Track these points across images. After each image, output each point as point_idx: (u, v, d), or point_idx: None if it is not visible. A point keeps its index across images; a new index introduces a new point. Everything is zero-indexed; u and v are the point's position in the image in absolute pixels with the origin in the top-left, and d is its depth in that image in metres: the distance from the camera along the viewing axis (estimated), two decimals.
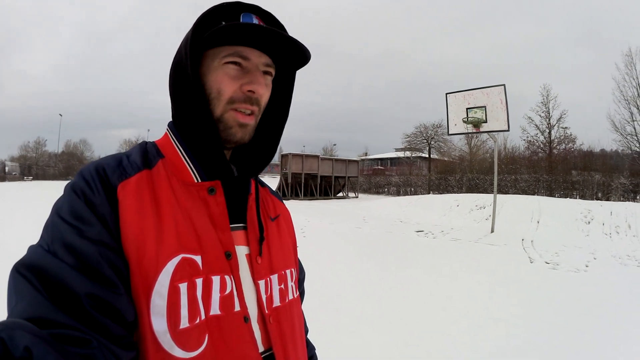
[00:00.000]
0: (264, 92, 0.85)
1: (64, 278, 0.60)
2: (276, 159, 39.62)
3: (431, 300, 5.41)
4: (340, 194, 36.99)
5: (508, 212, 14.78)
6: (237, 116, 0.83)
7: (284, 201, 1.15)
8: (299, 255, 1.17)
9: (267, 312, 0.85)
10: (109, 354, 0.59)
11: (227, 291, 0.78)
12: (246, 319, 0.80)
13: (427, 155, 48.08)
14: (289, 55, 0.88)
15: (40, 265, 0.61)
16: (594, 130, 58.34)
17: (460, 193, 25.63)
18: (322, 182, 33.92)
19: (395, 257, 8.41)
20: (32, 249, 0.66)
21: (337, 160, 36.32)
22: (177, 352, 0.69)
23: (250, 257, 0.87)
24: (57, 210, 0.70)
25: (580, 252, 9.70)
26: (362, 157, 70.88)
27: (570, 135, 33.19)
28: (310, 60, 0.90)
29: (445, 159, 46.12)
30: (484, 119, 13.50)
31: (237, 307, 0.79)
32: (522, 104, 33.99)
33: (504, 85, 13.27)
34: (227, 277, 0.79)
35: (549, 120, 33.63)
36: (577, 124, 47.39)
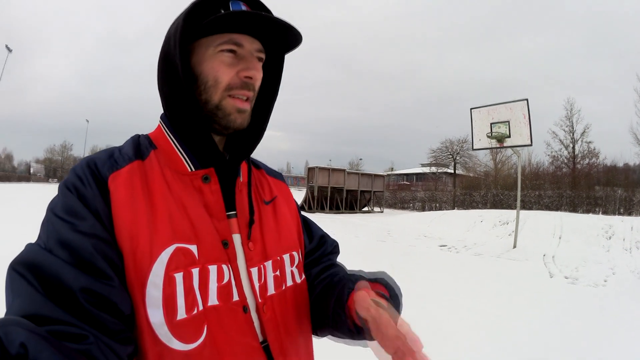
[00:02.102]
0: (259, 77, 0.86)
1: (59, 273, 0.61)
2: (303, 172, 39.56)
3: (450, 312, 5.54)
4: (366, 209, 36.86)
5: (530, 228, 14.67)
6: (235, 102, 0.83)
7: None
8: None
9: (260, 300, 0.84)
10: (105, 349, 0.59)
11: (225, 280, 0.78)
12: (245, 308, 0.80)
13: (452, 171, 47.64)
14: (278, 40, 0.89)
15: (35, 262, 0.62)
16: (617, 144, 56.24)
17: (485, 209, 25.37)
18: (348, 196, 33.90)
19: (418, 270, 8.53)
20: (28, 246, 0.66)
21: (363, 174, 36.26)
22: (175, 344, 0.69)
23: (243, 245, 0.86)
24: (52, 208, 0.70)
25: (599, 267, 9.64)
26: (388, 172, 70.36)
27: (594, 149, 32.51)
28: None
29: (471, 174, 45.70)
30: (508, 134, 13.52)
31: (236, 297, 0.79)
32: (545, 118, 33.56)
33: (526, 99, 13.27)
34: (224, 266, 0.79)
35: (573, 134, 33.01)
36: (600, 137, 46.07)
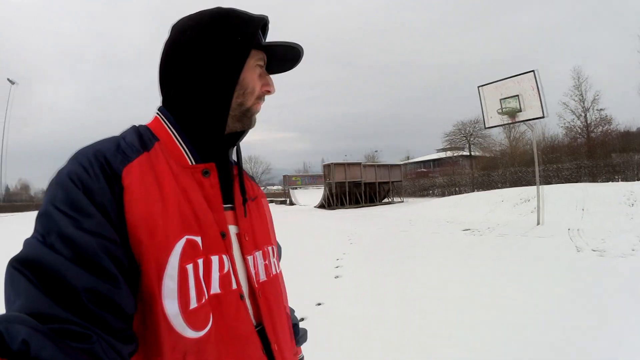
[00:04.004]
0: None
1: (62, 272, 0.59)
2: (320, 170, 39.72)
3: (480, 297, 5.41)
4: (386, 200, 36.74)
5: (553, 203, 14.44)
6: (258, 108, 0.96)
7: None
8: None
9: (256, 286, 0.90)
10: (108, 348, 0.59)
11: (225, 270, 0.82)
12: (242, 296, 0.84)
13: (468, 153, 47.40)
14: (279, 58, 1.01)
15: (37, 259, 0.60)
16: (628, 109, 54.47)
17: (505, 188, 25.14)
18: (366, 189, 33.86)
19: (444, 257, 8.40)
20: (28, 242, 0.63)
21: (379, 166, 36.15)
22: (188, 332, 0.71)
23: (239, 236, 0.92)
24: (51, 199, 0.67)
25: (626, 236, 9.40)
26: (405, 162, 70.07)
27: (607, 116, 32.11)
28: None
29: (487, 155, 45.33)
30: (519, 108, 13.29)
31: (234, 285, 0.83)
32: (554, 91, 33.20)
33: (534, 71, 12.99)
34: (224, 257, 0.82)
35: (584, 103, 32.70)
36: (611, 104, 45.07)
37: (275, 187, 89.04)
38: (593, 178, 25.64)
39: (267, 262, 0.99)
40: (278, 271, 1.06)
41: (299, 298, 5.51)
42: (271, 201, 50.68)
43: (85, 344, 0.56)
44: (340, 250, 10.13)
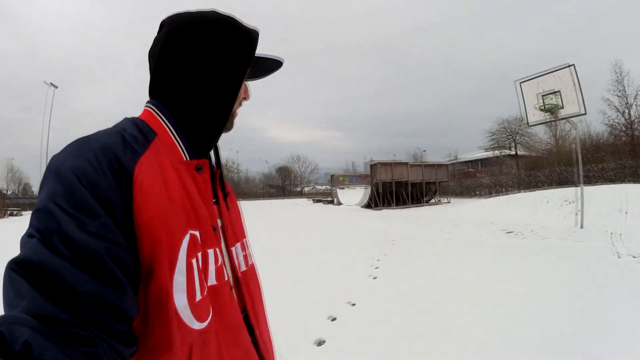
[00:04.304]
0: None
1: (64, 276, 0.57)
2: (365, 169, 39.68)
3: (516, 301, 5.25)
4: (432, 200, 36.36)
5: (596, 205, 14.19)
6: (237, 112, 1.00)
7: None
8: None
9: (240, 276, 0.95)
10: (110, 351, 0.58)
11: (219, 262, 0.85)
12: (232, 286, 0.89)
13: (514, 152, 46.31)
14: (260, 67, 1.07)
15: (37, 261, 0.57)
16: None
17: (550, 188, 24.74)
18: (412, 189, 33.71)
19: (484, 261, 8.26)
20: (26, 242, 0.60)
21: (426, 165, 35.84)
22: (195, 324, 0.73)
23: (223, 229, 0.96)
24: (51, 194, 0.63)
25: None
26: (452, 161, 68.89)
27: None
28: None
29: (533, 154, 43.80)
30: (560, 104, 12.84)
31: (227, 277, 0.87)
32: (596, 85, 31.94)
33: (573, 65, 12.51)
34: (217, 250, 0.85)
35: (626, 99, 31.13)
36: None
37: (323, 187, 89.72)
38: (637, 178, 24.58)
39: (245, 252, 1.03)
40: (254, 261, 1.11)
41: (333, 296, 5.97)
42: (319, 201, 51.76)
43: (87, 347, 0.55)
44: (381, 250, 10.15)
